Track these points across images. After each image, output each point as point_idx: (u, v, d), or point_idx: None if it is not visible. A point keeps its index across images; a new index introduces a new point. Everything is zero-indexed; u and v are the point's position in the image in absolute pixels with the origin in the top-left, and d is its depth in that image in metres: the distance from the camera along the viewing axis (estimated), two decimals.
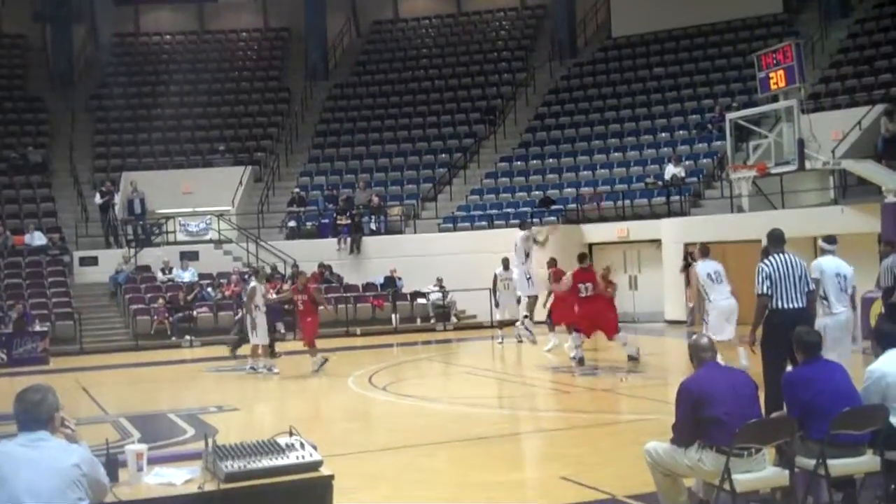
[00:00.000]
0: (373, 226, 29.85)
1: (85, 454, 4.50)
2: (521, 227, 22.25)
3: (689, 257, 19.36)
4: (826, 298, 10.74)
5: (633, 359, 16.85)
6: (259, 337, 18.33)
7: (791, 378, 7.02)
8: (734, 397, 6.35)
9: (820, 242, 11.79)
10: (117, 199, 30.01)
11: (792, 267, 9.78)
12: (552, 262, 20.16)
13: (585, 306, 17.20)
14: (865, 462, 6.56)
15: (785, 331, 9.58)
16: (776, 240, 10.14)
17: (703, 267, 15.12)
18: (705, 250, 15.42)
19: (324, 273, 27.57)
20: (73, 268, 28.21)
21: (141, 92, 36.41)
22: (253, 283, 18.83)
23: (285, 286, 21.83)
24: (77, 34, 37.81)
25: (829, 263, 11.02)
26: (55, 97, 35.90)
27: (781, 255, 9.89)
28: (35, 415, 4.51)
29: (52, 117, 35.23)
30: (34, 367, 21.13)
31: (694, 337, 7.10)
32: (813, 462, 6.37)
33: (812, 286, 10.00)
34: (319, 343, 21.80)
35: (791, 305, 9.68)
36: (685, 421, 6.42)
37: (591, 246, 27.53)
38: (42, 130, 34.38)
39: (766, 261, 9.95)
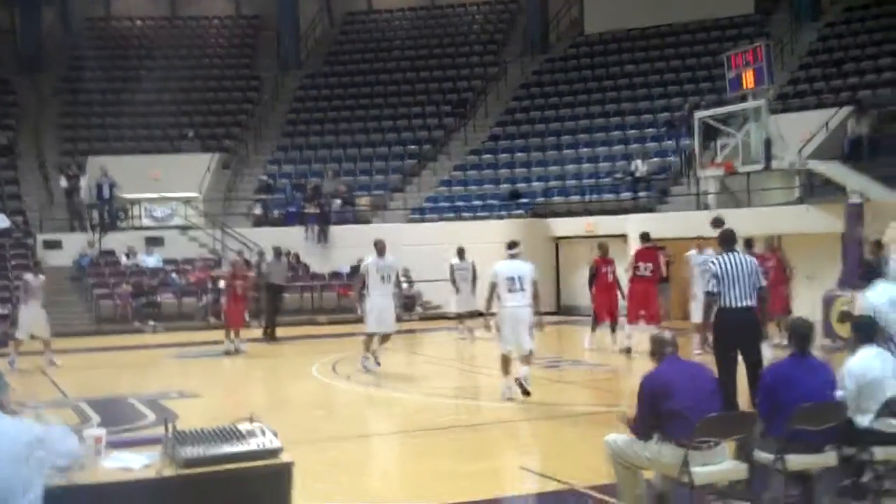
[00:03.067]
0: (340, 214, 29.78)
1: (38, 431, 4.43)
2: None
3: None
4: (500, 296, 12.42)
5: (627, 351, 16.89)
6: (20, 332, 17.84)
7: (771, 377, 7.04)
8: (694, 391, 6.40)
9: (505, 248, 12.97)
10: (83, 182, 29.76)
11: (741, 266, 9.88)
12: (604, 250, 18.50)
13: (637, 286, 17.16)
14: (823, 458, 6.62)
15: (733, 329, 9.78)
16: (727, 239, 10.30)
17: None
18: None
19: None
20: (36, 251, 27.94)
21: (110, 76, 36.04)
22: (27, 275, 18.39)
23: (250, 273, 21.92)
24: (46, 17, 37.41)
25: (503, 267, 12.55)
26: (23, 80, 35.53)
27: (730, 255, 10.01)
28: None
29: (19, 100, 34.88)
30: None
31: (656, 332, 7.14)
32: (771, 457, 6.43)
33: (763, 283, 10.15)
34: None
35: (739, 304, 9.78)
36: (645, 414, 6.46)
37: (557, 240, 27.64)
38: (9, 113, 34.02)
39: (714, 260, 10.18)
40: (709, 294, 9.98)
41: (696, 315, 15.74)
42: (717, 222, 16.37)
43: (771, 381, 6.92)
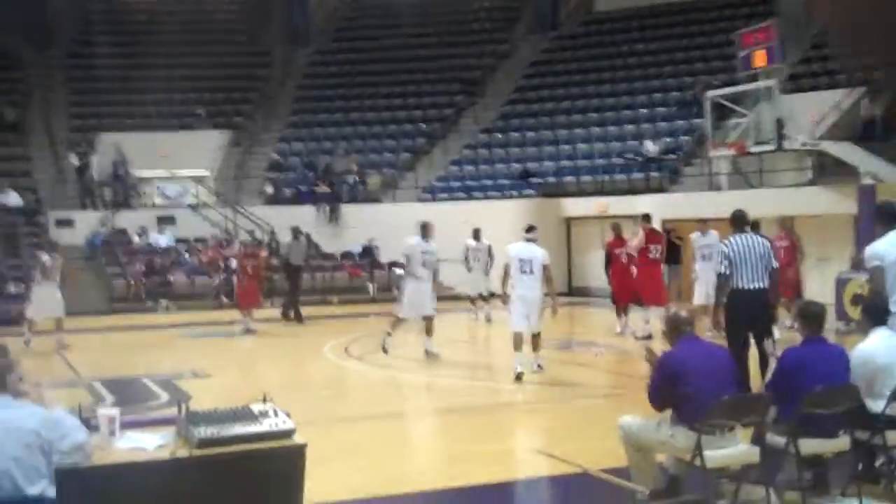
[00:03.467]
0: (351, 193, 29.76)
1: (45, 417, 4.42)
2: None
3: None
4: (512, 278, 12.89)
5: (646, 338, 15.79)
6: (31, 311, 17.76)
7: (786, 362, 6.86)
8: (710, 373, 6.34)
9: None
10: (94, 160, 29.73)
11: (752, 247, 9.96)
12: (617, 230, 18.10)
13: (647, 269, 16.83)
14: (836, 442, 6.59)
15: (744, 310, 9.82)
16: (738, 220, 10.36)
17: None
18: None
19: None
20: (48, 229, 27.96)
21: (118, 52, 35.91)
22: (44, 256, 18.18)
23: (262, 253, 21.92)
24: None
25: (516, 249, 13.00)
26: (31, 56, 35.45)
27: (742, 236, 10.08)
28: None
29: (27, 76, 34.83)
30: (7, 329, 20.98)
31: (673, 310, 7.11)
32: (784, 440, 6.40)
33: (776, 265, 10.19)
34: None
35: (750, 286, 9.85)
36: (662, 387, 6.44)
37: (569, 220, 27.59)
38: (17, 89, 33.98)
39: (725, 241, 10.24)
40: (720, 276, 10.00)
41: (699, 296, 15.76)
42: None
43: (786, 365, 6.82)
